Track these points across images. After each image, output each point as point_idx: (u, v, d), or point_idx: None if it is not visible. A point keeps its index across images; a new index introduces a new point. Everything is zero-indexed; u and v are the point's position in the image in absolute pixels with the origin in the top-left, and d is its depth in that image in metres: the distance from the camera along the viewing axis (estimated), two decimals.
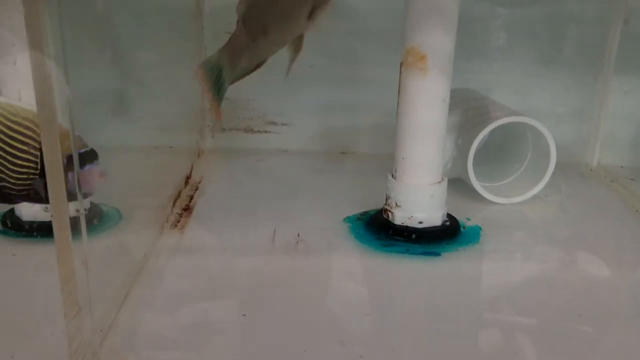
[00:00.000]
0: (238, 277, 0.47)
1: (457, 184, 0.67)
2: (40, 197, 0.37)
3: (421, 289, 0.48)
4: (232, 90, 0.79)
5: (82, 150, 0.39)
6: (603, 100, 0.79)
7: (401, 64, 0.53)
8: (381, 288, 0.47)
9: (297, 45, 0.58)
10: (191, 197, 0.62)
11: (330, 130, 0.82)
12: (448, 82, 0.53)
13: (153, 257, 0.50)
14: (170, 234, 0.54)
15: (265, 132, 0.81)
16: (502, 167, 0.71)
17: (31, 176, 0.37)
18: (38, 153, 0.36)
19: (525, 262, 0.53)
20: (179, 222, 0.56)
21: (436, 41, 0.51)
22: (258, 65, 0.60)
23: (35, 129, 0.36)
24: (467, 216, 0.61)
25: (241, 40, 0.57)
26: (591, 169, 0.80)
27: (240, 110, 0.80)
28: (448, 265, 0.51)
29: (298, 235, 0.54)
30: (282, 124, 0.81)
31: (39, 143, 0.36)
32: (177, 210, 0.59)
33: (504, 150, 0.73)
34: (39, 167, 0.37)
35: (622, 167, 0.80)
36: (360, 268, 0.50)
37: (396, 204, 0.55)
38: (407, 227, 0.55)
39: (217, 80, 0.58)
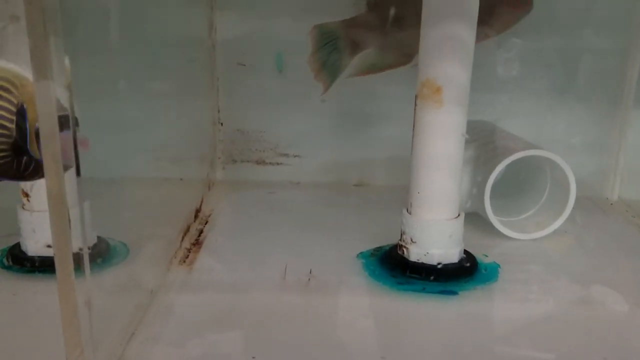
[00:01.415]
0: (248, 314, 0.46)
1: (474, 218, 0.65)
2: (14, 172, 0.33)
3: (438, 330, 0.46)
4: (244, 122, 0.79)
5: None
6: (622, 133, 0.78)
7: (416, 96, 0.52)
8: (396, 328, 0.45)
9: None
10: (201, 231, 0.61)
11: (344, 162, 0.81)
12: (464, 115, 0.51)
13: (161, 293, 0.48)
14: (178, 269, 0.53)
15: (277, 164, 0.80)
16: (520, 202, 0.69)
17: (2, 145, 0.33)
18: (14, 118, 0.32)
19: (545, 301, 0.50)
20: (187, 257, 0.55)
21: (452, 73, 0.50)
22: (401, 62, 0.60)
23: (12, 89, 0.32)
24: (484, 252, 0.59)
25: (366, 20, 0.57)
26: (611, 204, 0.78)
27: (252, 142, 0.80)
28: (466, 305, 0.48)
29: (310, 272, 0.53)
30: (294, 156, 0.80)
31: (17, 106, 0.32)
32: (186, 244, 0.57)
33: (522, 184, 0.71)
34: (13, 135, 0.32)
35: None
36: (374, 307, 0.48)
37: (411, 240, 0.53)
38: (423, 264, 0.53)
39: (328, 48, 0.57)
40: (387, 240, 0.59)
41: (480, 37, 0.56)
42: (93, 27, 0.66)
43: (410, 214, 0.54)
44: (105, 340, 0.38)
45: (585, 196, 0.78)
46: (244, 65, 0.77)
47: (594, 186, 0.80)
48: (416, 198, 0.53)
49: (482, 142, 0.68)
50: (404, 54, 0.59)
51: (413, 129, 0.53)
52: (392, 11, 0.57)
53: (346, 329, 0.44)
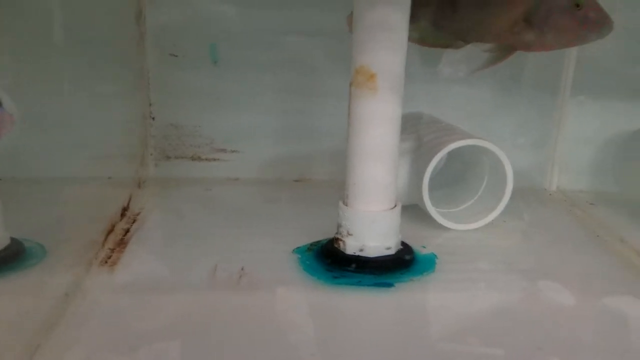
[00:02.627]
0: (171, 316, 0.43)
1: (414, 210, 0.64)
2: None
3: (372, 322, 0.44)
4: (178, 116, 0.76)
5: None
6: (560, 125, 0.78)
7: (350, 84, 0.50)
8: (330, 324, 0.43)
9: (499, 54, 0.58)
10: (127, 230, 0.58)
11: (284, 157, 0.78)
12: (399, 102, 0.50)
13: (77, 297, 0.44)
14: (99, 271, 0.49)
15: (214, 160, 0.77)
16: (460, 193, 0.69)
17: None
18: None
19: (481, 291, 0.49)
20: (110, 257, 0.51)
21: (386, 60, 0.48)
22: (453, 44, 0.60)
23: None
24: (423, 244, 0.57)
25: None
26: (550, 194, 0.78)
27: (186, 137, 0.76)
28: (401, 297, 0.47)
29: (242, 269, 0.50)
30: (232, 151, 0.77)
31: None
32: (110, 244, 0.54)
33: (462, 175, 0.71)
34: None
35: (581, 191, 0.79)
36: (307, 302, 0.45)
37: (348, 233, 0.51)
38: (358, 256, 0.51)
39: None
40: (325, 234, 0.57)
41: (530, 44, 0.56)
42: (12, 18, 0.62)
43: (346, 205, 0.52)
44: (6, 354, 0.35)
45: (525, 187, 0.78)
46: (176, 56, 0.74)
47: (533, 177, 0.81)
48: (352, 189, 0.51)
49: (422, 133, 0.67)
50: (458, 36, 0.59)
51: (348, 118, 0.51)
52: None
53: (277, 326, 0.42)
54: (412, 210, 0.64)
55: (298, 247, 0.55)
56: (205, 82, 0.75)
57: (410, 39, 0.53)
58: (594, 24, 0.54)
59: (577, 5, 0.54)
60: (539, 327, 0.44)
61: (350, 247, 0.51)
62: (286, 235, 0.58)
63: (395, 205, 0.52)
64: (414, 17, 0.55)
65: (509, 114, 0.78)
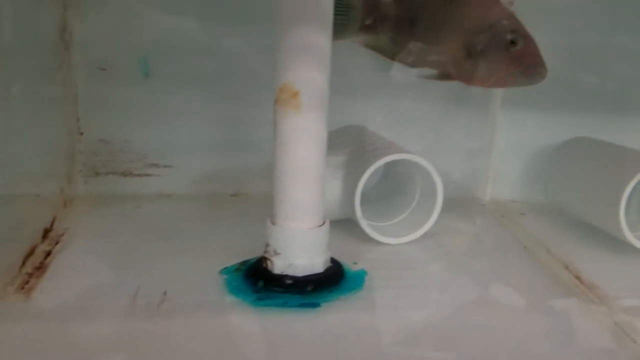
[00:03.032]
0: (85, 347, 0.41)
1: (348, 224, 0.64)
2: None
3: (297, 346, 0.43)
4: (108, 131, 0.74)
5: None
6: (492, 137, 0.80)
7: (274, 102, 0.49)
8: (252, 349, 0.42)
9: (445, 73, 0.58)
10: (48, 253, 0.55)
11: (220, 172, 0.77)
12: (324, 119, 0.49)
13: None
14: (14, 298, 0.47)
15: (146, 175, 0.75)
16: (395, 207, 0.69)
17: None
18: None
19: (409, 308, 0.50)
20: (27, 282, 0.49)
21: (309, 77, 0.48)
22: (407, 63, 0.60)
23: None
24: (355, 259, 0.57)
25: (387, 6, 0.56)
26: (484, 204, 0.79)
27: (117, 152, 0.74)
28: (327, 317, 0.46)
29: (164, 293, 0.49)
30: (165, 166, 0.75)
31: None
32: (28, 269, 0.52)
33: (398, 189, 0.71)
34: None
35: (513, 201, 0.80)
36: (229, 327, 0.44)
37: (275, 252, 0.51)
38: (286, 275, 0.50)
39: (337, 10, 0.52)
40: (258, 252, 0.56)
41: (467, 76, 0.56)
42: None
43: (273, 224, 0.51)
44: None
45: (459, 198, 0.79)
46: (105, 69, 0.71)
47: (468, 187, 0.82)
48: (279, 207, 0.51)
49: (354, 147, 0.67)
50: (410, 59, 0.59)
51: (273, 136, 0.50)
52: (409, 12, 0.56)
53: (196, 354, 0.41)
54: (348, 225, 0.63)
55: (226, 268, 0.54)
56: (136, 95, 0.73)
57: (370, 47, 0.54)
58: (526, 66, 0.53)
59: (513, 42, 0.53)
60: (468, 342, 0.44)
61: (278, 266, 0.50)
62: (216, 254, 0.57)
63: (324, 223, 0.52)
64: (374, 29, 0.55)
65: (444, 126, 0.79)
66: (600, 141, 0.74)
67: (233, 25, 0.72)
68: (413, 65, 0.60)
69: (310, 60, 0.47)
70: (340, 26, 0.54)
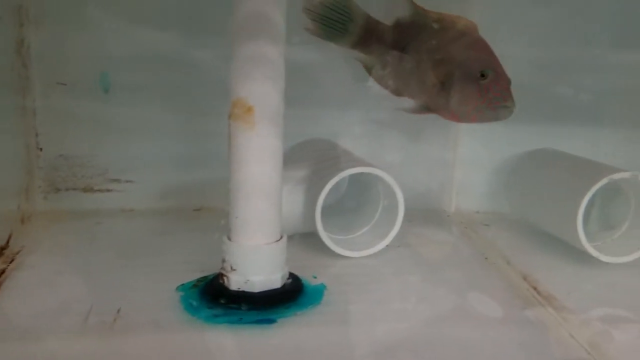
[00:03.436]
0: None
1: (311, 238, 0.64)
2: None
3: None
4: (68, 146, 0.73)
5: None
6: (456, 148, 0.80)
7: (229, 117, 0.49)
8: None
9: (424, 105, 0.58)
10: (2, 272, 0.54)
11: (183, 186, 0.76)
12: (279, 135, 0.49)
13: None
14: None
15: (108, 190, 0.74)
16: (359, 220, 0.69)
17: None
18: None
19: (366, 322, 0.49)
20: None
21: (263, 93, 0.48)
22: (378, 77, 0.60)
23: None
24: (316, 273, 0.57)
25: (383, 31, 0.57)
26: (449, 215, 0.80)
27: (77, 167, 0.73)
28: (282, 333, 0.46)
29: (118, 311, 0.48)
30: (127, 181, 0.75)
31: None
32: None
33: (362, 202, 0.71)
34: None
35: (477, 212, 0.81)
36: (182, 345, 0.44)
37: (231, 268, 0.50)
38: (243, 292, 0.50)
39: (339, 18, 0.56)
40: (216, 269, 0.55)
41: (441, 107, 0.56)
42: None
43: (229, 240, 0.51)
44: None
45: (425, 209, 0.80)
46: (65, 84, 0.71)
47: (433, 199, 0.82)
48: (234, 223, 0.51)
49: (317, 161, 0.67)
50: (393, 86, 0.60)
51: (228, 152, 0.50)
52: (401, 40, 0.57)
53: None
54: (311, 239, 0.63)
55: (183, 284, 0.53)
56: (97, 110, 0.72)
57: (360, 61, 0.54)
58: (492, 99, 0.52)
59: (483, 76, 0.52)
60: (422, 356, 0.44)
61: (234, 282, 0.50)
62: (175, 271, 0.56)
63: (281, 238, 0.52)
64: (368, 47, 0.56)
65: (410, 138, 0.80)
66: (562, 152, 0.75)
67: (195, 37, 0.71)
68: (395, 92, 0.61)
69: (264, 76, 0.47)
70: (337, 34, 0.56)
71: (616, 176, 0.61)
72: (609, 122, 0.81)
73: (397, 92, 0.61)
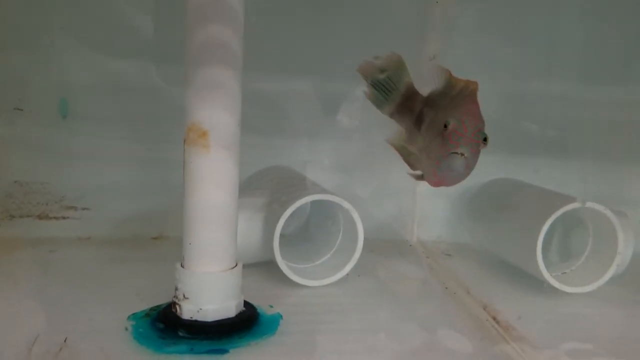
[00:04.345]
0: None
1: (269, 267, 0.63)
2: None
3: None
4: (23, 173, 0.71)
5: None
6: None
7: (184, 141, 0.48)
8: None
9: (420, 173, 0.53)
10: None
11: (141, 214, 0.75)
12: (234, 160, 0.49)
13: None
14: None
15: (63, 218, 0.72)
16: (318, 249, 0.68)
17: None
18: None
19: (318, 353, 0.48)
20: None
21: (218, 117, 0.47)
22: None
23: None
24: (272, 303, 0.56)
25: (415, 102, 0.54)
26: (410, 245, 0.80)
27: (33, 194, 0.71)
28: None
29: (64, 341, 0.46)
30: (84, 209, 0.73)
31: None
32: None
33: (321, 231, 0.70)
34: None
35: (440, 242, 0.81)
36: None
37: (184, 296, 0.49)
38: (195, 321, 0.48)
39: (387, 85, 0.54)
40: (170, 297, 0.54)
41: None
42: None
43: (183, 267, 0.50)
44: None
45: (387, 239, 0.80)
46: (22, 110, 0.69)
47: (395, 229, 0.82)
48: (187, 250, 0.49)
49: (277, 188, 0.67)
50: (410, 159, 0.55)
51: (183, 177, 0.49)
52: (423, 111, 0.52)
53: None
54: (269, 268, 0.62)
55: (134, 314, 0.52)
56: (54, 136, 0.71)
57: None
58: (449, 148, 0.45)
59: (445, 126, 0.45)
60: None
61: (187, 311, 0.49)
62: (128, 300, 0.54)
63: (236, 265, 0.51)
64: (402, 115, 0.54)
65: (373, 170, 0.80)
66: (521, 182, 0.76)
67: (155, 66, 0.71)
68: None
69: (219, 101, 0.47)
70: (380, 101, 0.55)
71: (571, 206, 0.62)
72: (570, 154, 0.82)
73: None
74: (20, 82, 0.69)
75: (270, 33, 0.74)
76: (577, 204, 0.61)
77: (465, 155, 0.45)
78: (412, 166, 0.55)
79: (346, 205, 0.61)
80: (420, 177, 0.53)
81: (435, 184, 0.50)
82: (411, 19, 0.78)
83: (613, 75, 0.81)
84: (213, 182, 0.48)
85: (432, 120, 0.50)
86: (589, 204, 0.62)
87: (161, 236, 0.75)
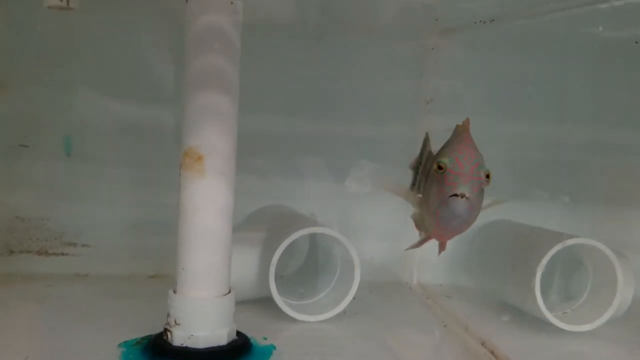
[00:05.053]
0: None
1: (267, 304, 0.62)
2: None
3: None
4: (24, 208, 0.72)
5: None
6: None
7: (180, 167, 0.49)
8: None
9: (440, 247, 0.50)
10: None
11: (140, 252, 0.75)
12: (229, 185, 0.49)
13: None
14: None
15: (62, 254, 0.73)
16: (316, 286, 0.68)
17: None
18: None
19: None
20: None
21: (214, 142, 0.48)
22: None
23: None
24: (268, 336, 0.55)
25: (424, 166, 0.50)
26: (410, 288, 0.79)
27: (33, 230, 0.72)
28: None
29: None
30: (83, 246, 0.73)
31: None
32: None
33: (319, 268, 0.70)
34: None
35: (440, 285, 0.80)
36: None
37: (175, 322, 0.49)
38: (186, 347, 0.48)
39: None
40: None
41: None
42: None
43: (175, 293, 0.50)
44: None
45: (388, 281, 0.79)
46: (27, 146, 0.71)
47: (397, 272, 0.81)
48: (180, 275, 0.49)
49: (276, 224, 0.67)
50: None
51: (179, 201, 0.50)
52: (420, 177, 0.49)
53: None
54: (267, 304, 0.61)
55: (125, 342, 0.51)
56: (57, 173, 0.72)
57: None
58: (446, 191, 0.40)
59: (440, 167, 0.41)
60: None
61: (178, 337, 0.48)
62: (120, 331, 0.54)
63: (229, 292, 0.50)
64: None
65: (366, 212, 0.80)
66: (517, 223, 0.75)
67: (159, 107, 0.73)
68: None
69: (215, 125, 0.48)
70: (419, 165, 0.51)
71: (570, 242, 0.61)
72: (575, 197, 0.82)
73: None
74: (26, 118, 0.70)
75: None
76: (576, 240, 0.61)
77: (467, 195, 0.39)
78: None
79: (343, 239, 0.61)
80: (425, 239, 0.50)
81: (441, 237, 0.46)
82: (408, 63, 0.80)
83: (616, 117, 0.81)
84: (208, 207, 0.49)
85: (427, 171, 0.46)
86: (587, 241, 0.62)
87: (158, 275, 0.75)
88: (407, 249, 0.52)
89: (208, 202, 0.49)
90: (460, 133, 0.44)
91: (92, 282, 0.71)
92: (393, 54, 0.79)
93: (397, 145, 0.77)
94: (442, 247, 0.50)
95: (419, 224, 0.51)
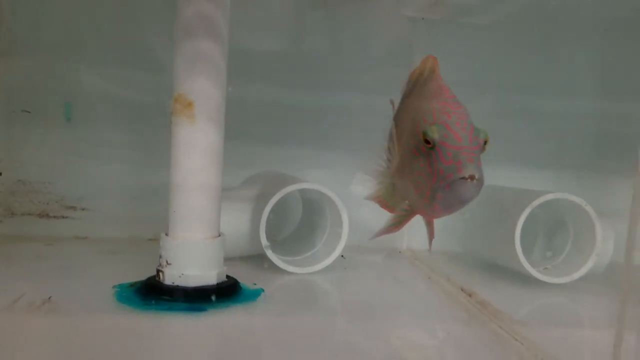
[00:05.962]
0: None
1: (260, 262, 0.64)
2: None
3: (176, 341, 0.43)
4: (27, 172, 0.75)
5: None
6: None
7: (171, 113, 0.52)
8: (126, 342, 0.41)
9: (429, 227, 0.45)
10: None
11: (138, 216, 0.77)
12: (218, 131, 0.52)
13: None
14: None
15: (63, 217, 0.75)
16: (308, 244, 0.70)
17: None
18: None
19: (299, 315, 0.50)
20: None
21: (203, 88, 0.51)
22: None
23: None
24: (257, 282, 0.57)
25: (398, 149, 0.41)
26: (400, 251, 0.81)
27: (34, 193, 0.75)
28: (212, 319, 0.46)
29: (49, 298, 0.48)
30: (83, 209, 0.76)
31: None
32: None
33: (313, 227, 0.72)
34: None
35: (429, 250, 0.82)
36: (108, 324, 0.44)
37: (167, 262, 0.51)
38: (177, 286, 0.50)
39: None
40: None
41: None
42: None
43: (167, 235, 0.52)
44: None
45: (379, 247, 0.81)
46: (29, 112, 0.74)
47: (387, 240, 0.83)
48: (172, 218, 0.52)
49: (265, 183, 0.69)
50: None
51: (170, 147, 0.52)
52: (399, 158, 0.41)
53: (70, 348, 0.40)
54: (260, 262, 0.64)
55: (120, 284, 0.54)
56: (58, 138, 0.75)
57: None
58: (444, 173, 0.34)
59: (427, 142, 0.35)
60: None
61: (169, 276, 0.50)
62: (116, 278, 0.56)
63: (219, 236, 0.53)
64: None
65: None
66: (501, 186, 0.77)
67: (159, 75, 0.75)
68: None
69: (205, 72, 0.50)
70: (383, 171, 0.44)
71: (550, 196, 0.63)
72: (546, 164, 0.84)
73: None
74: (29, 85, 0.73)
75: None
76: (553, 195, 0.63)
77: (477, 177, 0.33)
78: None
79: (332, 196, 0.64)
80: (404, 221, 0.45)
81: (436, 215, 0.40)
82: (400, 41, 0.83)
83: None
84: (198, 152, 0.51)
85: (403, 131, 0.39)
86: (566, 196, 0.64)
87: (157, 238, 0.77)
88: (374, 237, 0.45)
89: (198, 148, 0.51)
90: (431, 79, 0.37)
91: (91, 243, 0.73)
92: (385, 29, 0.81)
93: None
94: (431, 234, 0.46)
95: (389, 203, 0.45)
